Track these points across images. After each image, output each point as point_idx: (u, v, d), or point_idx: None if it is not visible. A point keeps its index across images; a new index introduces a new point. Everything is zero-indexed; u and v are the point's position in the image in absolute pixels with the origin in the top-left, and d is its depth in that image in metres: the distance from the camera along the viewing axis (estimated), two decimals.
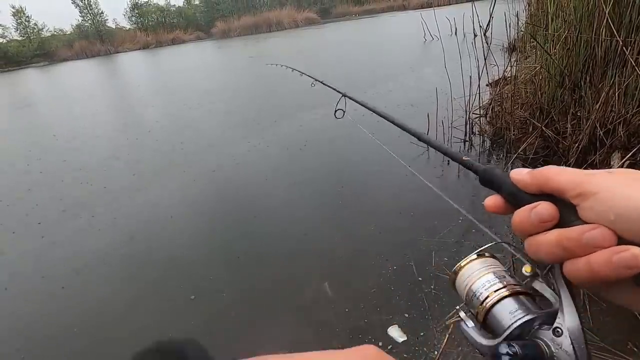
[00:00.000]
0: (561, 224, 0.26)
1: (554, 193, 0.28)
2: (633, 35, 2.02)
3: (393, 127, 0.60)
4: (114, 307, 1.92)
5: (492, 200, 0.32)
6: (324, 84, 1.04)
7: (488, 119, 3.43)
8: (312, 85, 1.16)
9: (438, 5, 20.25)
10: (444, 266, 1.83)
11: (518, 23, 3.74)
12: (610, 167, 2.21)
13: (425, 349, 1.44)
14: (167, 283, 2.05)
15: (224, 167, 3.54)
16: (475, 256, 0.33)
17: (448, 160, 2.95)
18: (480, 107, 3.44)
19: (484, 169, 0.34)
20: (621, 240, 0.24)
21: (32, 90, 13.03)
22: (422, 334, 1.50)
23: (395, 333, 1.51)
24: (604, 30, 2.11)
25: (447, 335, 1.45)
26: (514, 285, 0.30)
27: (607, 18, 2.03)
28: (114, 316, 1.86)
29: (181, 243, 2.42)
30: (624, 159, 2.12)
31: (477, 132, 3.32)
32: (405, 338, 1.49)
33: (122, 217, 2.83)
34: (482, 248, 0.34)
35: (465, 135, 3.26)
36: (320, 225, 2.40)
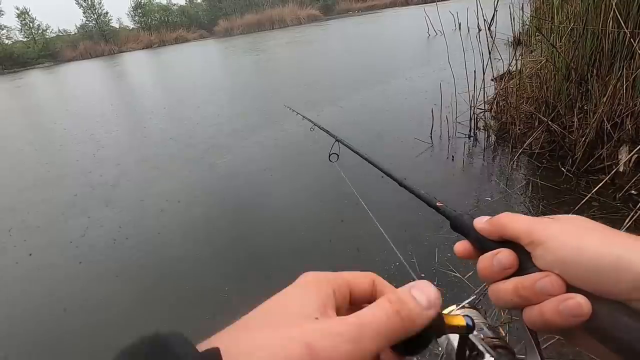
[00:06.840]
0: (519, 270, 0.28)
1: (512, 240, 0.29)
2: None
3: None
4: None
5: (461, 246, 0.33)
6: (320, 127, 1.03)
7: (493, 113, 3.40)
8: (311, 129, 1.14)
9: (440, 0, 20.04)
10: (447, 262, 1.82)
11: (523, 16, 3.68)
12: (618, 161, 2.18)
13: None
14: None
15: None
16: (454, 307, 0.36)
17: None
18: (485, 102, 3.40)
19: (454, 216, 0.35)
20: (571, 288, 0.25)
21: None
22: None
23: None
24: (610, 21, 2.08)
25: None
26: (491, 338, 0.32)
27: (614, 9, 1.99)
28: None
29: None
30: (632, 153, 2.09)
31: (482, 128, 3.29)
32: None
33: None
34: (464, 302, 0.38)
35: (470, 130, 3.23)
36: (324, 219, 2.40)
